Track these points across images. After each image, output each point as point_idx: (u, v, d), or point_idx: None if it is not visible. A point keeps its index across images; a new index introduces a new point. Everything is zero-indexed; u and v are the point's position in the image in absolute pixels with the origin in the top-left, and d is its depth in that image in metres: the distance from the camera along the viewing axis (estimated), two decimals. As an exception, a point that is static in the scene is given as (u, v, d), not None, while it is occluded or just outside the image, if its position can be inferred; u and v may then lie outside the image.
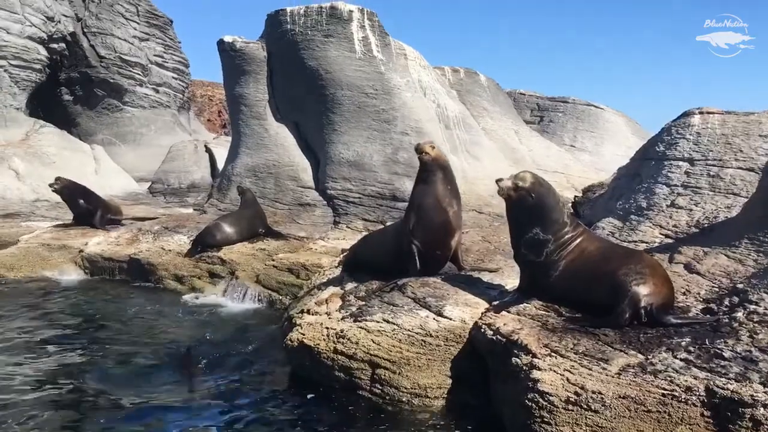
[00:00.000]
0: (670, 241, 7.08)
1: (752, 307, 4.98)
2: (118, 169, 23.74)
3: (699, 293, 5.61)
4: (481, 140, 14.16)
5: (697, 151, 7.91)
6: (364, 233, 9.78)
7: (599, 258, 5.44)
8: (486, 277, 6.94)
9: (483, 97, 15.79)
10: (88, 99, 30.09)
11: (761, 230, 6.09)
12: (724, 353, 4.35)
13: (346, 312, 6.33)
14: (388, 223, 10.97)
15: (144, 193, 22.73)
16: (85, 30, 29.39)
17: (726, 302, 5.24)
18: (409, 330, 5.79)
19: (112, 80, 30.11)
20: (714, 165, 7.71)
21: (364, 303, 6.44)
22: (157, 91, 32.37)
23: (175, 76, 34.01)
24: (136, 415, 5.60)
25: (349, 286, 7.12)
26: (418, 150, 7.05)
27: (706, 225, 7.04)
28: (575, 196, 10.78)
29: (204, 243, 11.16)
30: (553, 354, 4.71)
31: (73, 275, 11.93)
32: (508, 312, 5.65)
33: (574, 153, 17.67)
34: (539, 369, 4.57)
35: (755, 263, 5.83)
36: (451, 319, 5.89)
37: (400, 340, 5.72)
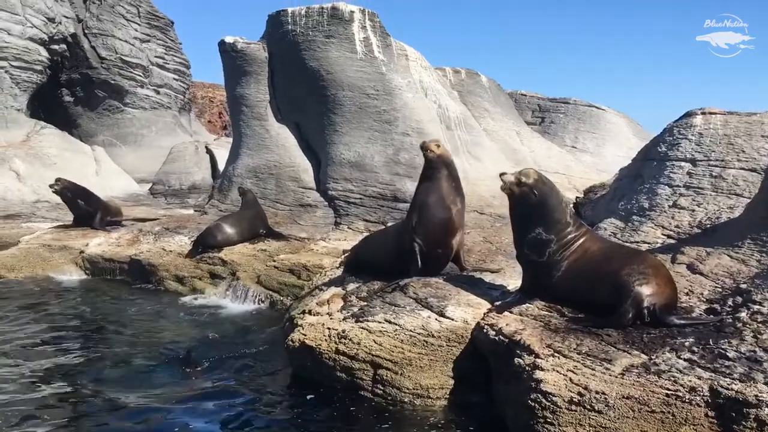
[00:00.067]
0: (672, 241, 7.06)
1: (756, 307, 4.96)
2: (118, 171, 23.77)
3: (702, 293, 5.59)
4: (482, 141, 14.15)
5: (699, 152, 7.89)
6: (365, 234, 9.75)
7: (602, 258, 5.42)
8: (488, 277, 6.93)
9: (484, 98, 15.78)
10: (89, 100, 30.11)
11: (764, 230, 6.07)
12: (728, 353, 4.33)
13: (348, 312, 6.31)
14: (390, 224, 10.95)
15: (145, 194, 22.74)
16: (86, 31, 29.42)
17: (729, 302, 5.22)
18: (411, 330, 5.77)
19: (113, 81, 30.13)
20: (716, 165, 7.69)
21: (365, 303, 6.42)
22: (158, 93, 32.39)
23: (176, 77, 34.05)
24: (136, 416, 5.58)
25: (351, 286, 7.10)
26: (424, 147, 7.04)
27: (708, 225, 7.02)
28: (577, 197, 10.76)
29: (205, 244, 11.14)
30: (556, 354, 4.69)
31: (73, 276, 11.92)
32: (511, 312, 5.63)
33: (576, 154, 17.67)
34: (542, 369, 4.54)
35: (758, 263, 5.81)
36: (453, 319, 5.87)
37: (402, 340, 5.70)
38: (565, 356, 4.64)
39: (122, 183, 22.69)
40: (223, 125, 45.48)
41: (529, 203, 5.64)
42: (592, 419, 4.12)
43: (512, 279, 6.75)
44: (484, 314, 5.83)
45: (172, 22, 35.27)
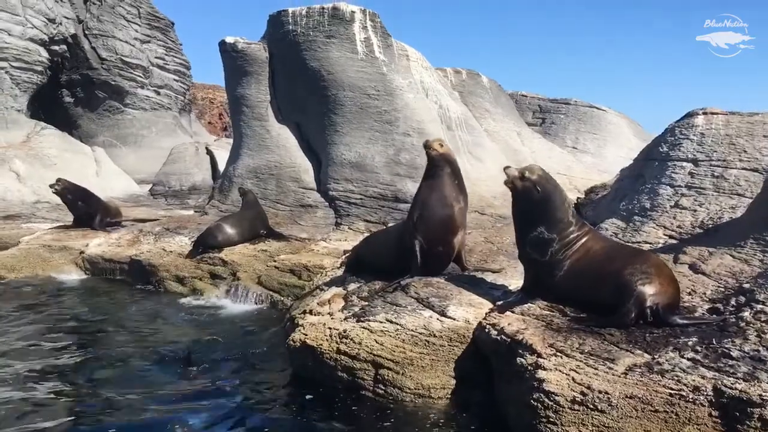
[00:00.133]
0: (674, 241, 7.05)
1: (759, 306, 4.94)
2: (119, 171, 23.75)
3: (705, 293, 5.57)
4: (483, 141, 14.14)
5: (701, 152, 7.87)
6: (366, 234, 9.74)
7: (604, 257, 5.40)
8: (489, 277, 6.91)
9: (485, 99, 15.78)
10: (90, 101, 30.10)
11: (766, 230, 6.05)
12: (731, 353, 4.31)
13: (349, 312, 6.29)
14: (390, 224, 10.94)
15: (145, 195, 22.72)
16: (86, 32, 29.41)
17: (732, 302, 5.20)
18: (412, 330, 5.75)
19: (113, 82, 30.13)
20: (718, 165, 7.67)
21: (367, 303, 6.40)
22: (159, 93, 32.39)
23: (177, 78, 34.05)
24: (135, 416, 5.56)
25: (352, 286, 7.08)
26: (427, 146, 7.04)
27: (710, 225, 7.00)
28: (578, 198, 10.75)
29: (205, 244, 11.12)
30: (558, 354, 4.67)
31: (73, 276, 11.90)
32: (513, 312, 5.62)
33: (576, 155, 17.66)
34: (544, 369, 4.52)
35: (761, 263, 5.79)
36: (454, 319, 5.85)
37: (403, 340, 5.68)
38: (567, 356, 4.62)
39: (122, 184, 22.68)
40: (224, 126, 45.51)
41: (532, 199, 5.62)
42: (595, 419, 4.10)
43: (514, 279, 6.74)
44: (486, 314, 5.81)
45: (173, 23, 35.30)
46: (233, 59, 14.03)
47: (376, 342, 5.70)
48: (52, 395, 6.07)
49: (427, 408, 5.34)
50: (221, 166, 19.65)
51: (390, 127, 12.82)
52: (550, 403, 4.28)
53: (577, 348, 4.70)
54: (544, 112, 19.86)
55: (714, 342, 4.51)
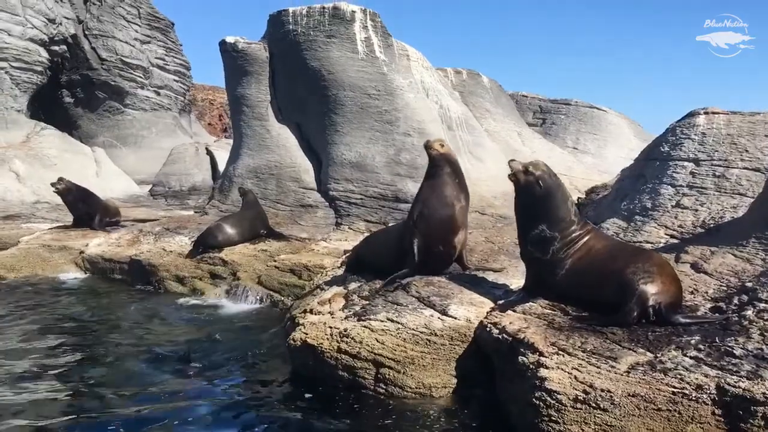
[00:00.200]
0: (675, 241, 7.03)
1: (762, 305, 4.92)
2: (119, 172, 23.75)
3: (707, 292, 5.56)
4: (483, 142, 14.12)
5: (702, 152, 7.86)
6: (366, 235, 9.72)
7: (606, 256, 5.38)
8: (491, 276, 6.90)
9: (485, 99, 15.77)
10: (89, 101, 30.08)
11: (769, 229, 6.04)
12: (734, 351, 4.29)
13: (350, 311, 6.27)
14: (391, 224, 10.92)
15: (145, 195, 22.71)
16: (86, 32, 29.40)
17: (735, 301, 5.18)
18: (413, 329, 5.73)
19: (113, 83, 30.11)
20: (719, 165, 7.66)
21: (367, 302, 6.39)
22: (159, 94, 32.38)
23: (177, 78, 34.04)
24: (135, 415, 5.53)
25: (353, 285, 7.06)
26: (427, 146, 7.05)
27: (712, 225, 6.99)
28: (578, 198, 10.73)
29: (205, 244, 11.10)
30: (560, 352, 4.65)
31: (73, 276, 11.89)
32: (514, 311, 5.60)
33: (577, 155, 17.65)
34: (546, 367, 4.50)
35: (763, 262, 5.78)
36: (456, 318, 5.83)
37: (404, 339, 5.67)
38: (569, 354, 4.60)
39: (122, 184, 22.67)
40: (223, 128, 45.51)
41: (534, 194, 5.61)
42: (598, 417, 4.08)
43: (515, 278, 6.73)
44: (487, 313, 5.80)
45: (173, 24, 35.29)
46: (233, 59, 14.01)
47: (377, 341, 5.68)
48: (50, 395, 6.05)
49: (428, 407, 5.32)
50: (221, 167, 19.62)
51: (390, 127, 12.81)
52: (553, 401, 4.26)
53: (579, 346, 4.68)
54: (544, 112, 19.85)
55: (717, 340, 4.49)
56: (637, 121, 20.32)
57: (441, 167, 6.91)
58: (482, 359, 5.52)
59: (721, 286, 5.64)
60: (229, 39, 14.03)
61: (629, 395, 4.08)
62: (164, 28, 34.19)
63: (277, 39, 13.63)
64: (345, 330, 5.86)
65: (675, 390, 4.04)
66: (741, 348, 4.33)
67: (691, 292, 5.57)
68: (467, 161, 12.91)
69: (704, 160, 7.77)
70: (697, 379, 4.08)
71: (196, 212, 15.40)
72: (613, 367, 4.36)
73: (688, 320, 4.91)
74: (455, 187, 6.86)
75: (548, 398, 4.28)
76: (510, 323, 5.31)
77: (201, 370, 6.70)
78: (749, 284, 5.40)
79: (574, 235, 5.54)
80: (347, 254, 8.59)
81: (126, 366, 6.94)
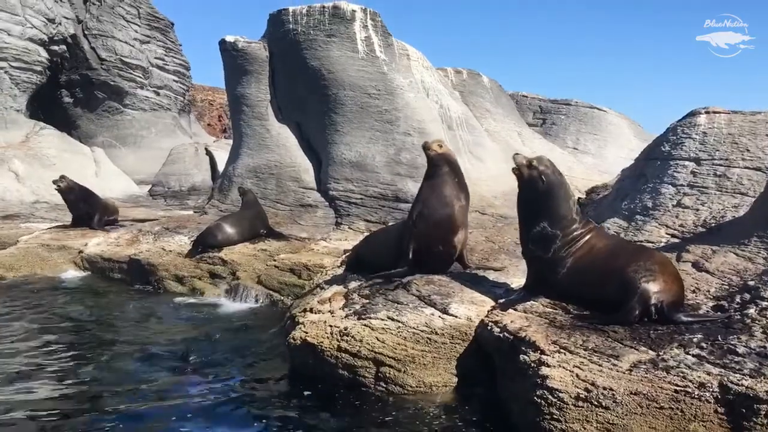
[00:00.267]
0: (676, 240, 7.01)
1: (765, 303, 4.90)
2: (118, 172, 23.73)
3: (709, 291, 5.54)
4: (484, 141, 14.09)
5: (703, 151, 7.84)
6: (366, 234, 9.70)
7: (608, 254, 5.37)
8: (491, 275, 6.89)
9: (486, 99, 15.74)
10: (89, 101, 30.05)
11: (771, 228, 6.02)
12: (737, 349, 4.27)
13: (350, 310, 6.24)
14: (391, 224, 10.90)
15: (144, 195, 22.69)
16: (86, 32, 29.38)
17: (737, 299, 5.16)
18: (414, 328, 5.71)
19: (112, 83, 30.09)
20: (721, 165, 7.64)
21: (368, 301, 6.36)
22: (158, 94, 32.35)
23: (176, 78, 34.03)
24: (134, 414, 5.51)
25: (353, 284, 7.04)
26: (426, 147, 7.06)
27: (713, 224, 6.97)
28: (579, 198, 10.71)
29: (205, 243, 11.07)
30: (562, 350, 4.62)
31: (72, 276, 11.86)
32: (515, 310, 5.59)
33: (577, 155, 17.63)
34: (548, 366, 4.48)
35: (766, 261, 5.76)
36: (456, 316, 5.81)
37: (405, 337, 5.65)
38: (571, 352, 4.58)
39: (121, 184, 22.65)
40: (223, 128, 45.50)
41: (536, 189, 5.60)
42: (600, 415, 4.06)
43: (516, 277, 6.71)
44: (488, 311, 5.79)
45: (172, 24, 35.28)
46: (233, 58, 13.99)
47: (378, 339, 5.66)
48: (48, 394, 6.03)
49: (428, 406, 5.29)
50: (221, 167, 19.59)
51: (390, 127, 12.78)
52: (554, 399, 4.23)
53: (580, 345, 4.66)
54: (544, 112, 19.83)
55: (719, 338, 4.47)
56: (638, 121, 20.32)
57: (440, 167, 6.91)
58: (483, 358, 5.50)
59: (722, 284, 5.62)
60: (229, 38, 14.01)
61: (631, 393, 4.05)
62: (164, 28, 34.18)
63: (277, 38, 13.60)
64: (345, 328, 5.84)
65: (677, 388, 4.02)
66: (744, 346, 4.31)
67: (693, 291, 5.55)
68: (467, 161, 12.89)
69: (705, 160, 7.75)
70: (699, 377, 4.05)
71: (195, 212, 15.37)
72: (615, 365, 4.34)
73: (690, 319, 4.89)
74: (455, 186, 6.85)
75: (550, 396, 4.26)
76: (511, 322, 5.29)
77: (200, 369, 6.69)
78: (751, 283, 5.39)
79: (575, 233, 5.52)
80: (347, 254, 8.57)
81: (125, 365, 6.92)
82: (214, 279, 10.55)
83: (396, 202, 12.22)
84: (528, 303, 5.65)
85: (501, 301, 5.96)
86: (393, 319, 5.83)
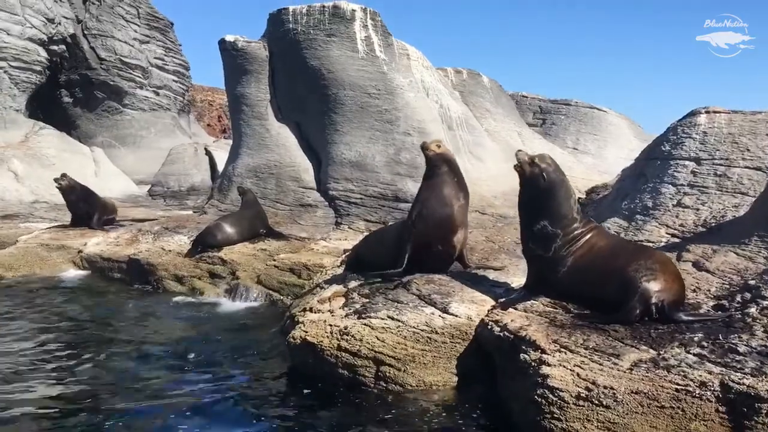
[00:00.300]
0: (676, 240, 7.00)
1: (765, 302, 4.90)
2: (117, 172, 23.72)
3: (709, 290, 5.54)
4: (483, 141, 14.08)
5: (703, 151, 7.83)
6: (366, 234, 9.69)
7: (609, 254, 5.36)
8: (492, 275, 6.88)
9: (486, 99, 15.72)
10: (88, 101, 30.05)
11: (771, 228, 6.01)
12: (738, 348, 4.26)
13: (350, 309, 6.23)
14: (390, 223, 10.88)
15: (143, 195, 22.68)
16: (85, 32, 29.37)
17: (738, 298, 5.16)
18: (414, 327, 5.70)
19: (112, 82, 30.08)
20: (721, 164, 7.63)
21: (368, 300, 6.34)
22: (158, 94, 32.34)
23: (176, 78, 34.01)
24: (133, 413, 5.50)
25: (353, 284, 7.02)
26: (424, 147, 7.06)
27: (713, 224, 6.96)
28: (579, 198, 10.70)
29: (204, 243, 11.05)
30: (562, 350, 4.61)
31: (71, 275, 11.84)
32: (515, 309, 5.58)
33: (577, 156, 17.61)
34: (548, 365, 4.47)
35: (766, 260, 5.76)
36: (457, 316, 5.81)
37: (405, 337, 5.64)
38: (571, 351, 4.57)
39: (121, 184, 22.64)
40: (222, 129, 45.48)
41: (537, 187, 5.59)
42: (600, 414, 4.04)
43: (516, 277, 6.71)
44: (489, 311, 5.78)
45: (172, 24, 35.27)
46: (233, 58, 13.97)
47: (378, 339, 5.65)
48: (47, 393, 6.01)
49: (428, 405, 5.28)
50: (220, 167, 19.58)
51: (390, 127, 12.77)
52: (555, 398, 4.22)
53: (581, 344, 4.65)
54: (544, 112, 19.82)
55: (720, 337, 4.46)
56: (638, 121, 20.31)
57: (438, 167, 6.91)
58: (483, 357, 5.50)
59: (723, 284, 5.61)
60: (229, 37, 13.99)
61: (632, 392, 4.04)
62: (163, 28, 34.17)
63: (276, 38, 13.59)
64: (345, 328, 5.83)
65: (678, 387, 4.01)
66: (745, 345, 4.30)
67: (693, 291, 5.54)
68: (467, 161, 12.89)
69: (705, 159, 7.74)
70: (700, 376, 4.04)
71: (195, 212, 15.35)
72: (615, 364, 4.33)
73: (690, 318, 4.88)
74: (454, 186, 6.85)
75: (550, 395, 4.25)
76: (511, 321, 5.29)
77: (199, 368, 6.67)
78: (752, 282, 5.38)
79: (576, 232, 5.52)
80: (347, 253, 8.56)
81: (124, 364, 6.91)
82: (214, 279, 10.53)
83: (396, 202, 12.21)
84: (528, 302, 5.64)
85: (501, 300, 5.95)
86: (393, 319, 5.82)
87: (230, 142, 17.39)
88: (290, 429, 5.16)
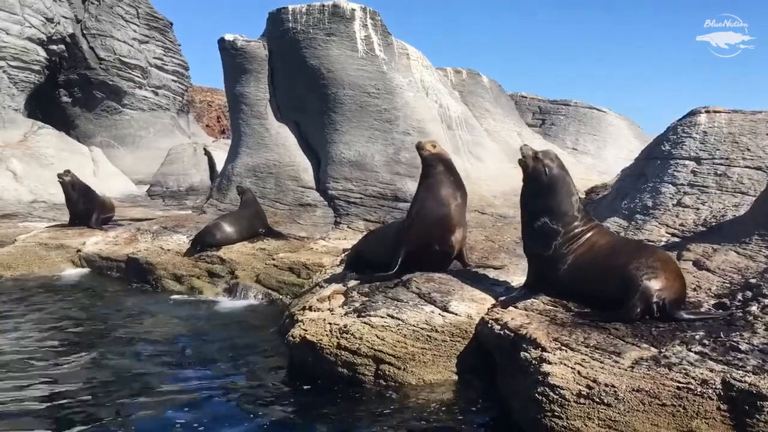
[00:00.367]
0: (676, 239, 6.99)
1: (767, 301, 4.88)
2: (116, 172, 23.69)
3: (710, 289, 5.52)
4: (483, 141, 14.07)
5: (703, 150, 7.83)
6: (366, 233, 9.67)
7: (609, 252, 5.35)
8: (492, 273, 6.88)
9: (485, 99, 15.71)
10: (87, 101, 30.00)
11: (772, 227, 6.00)
12: (740, 346, 4.24)
13: (350, 308, 6.21)
14: (390, 222, 10.87)
15: (142, 195, 22.65)
16: (84, 32, 29.33)
17: (739, 297, 5.15)
18: (414, 325, 5.69)
19: (111, 82, 30.03)
20: (721, 164, 7.63)
21: (367, 299, 6.33)
22: (157, 94, 32.29)
23: (175, 78, 33.96)
24: (132, 411, 5.48)
25: (352, 282, 7.01)
26: (419, 147, 7.09)
27: (713, 223, 6.95)
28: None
29: (203, 242, 11.03)
30: (563, 347, 4.59)
31: (70, 274, 11.83)
32: (516, 307, 5.57)
33: (576, 156, 17.59)
34: (549, 363, 4.45)
35: (767, 259, 5.74)
36: (456, 314, 5.80)
37: (405, 335, 5.63)
38: (572, 349, 4.55)
39: (120, 184, 22.60)
40: (221, 129, 45.40)
41: (539, 182, 5.59)
42: (602, 412, 4.02)
43: (516, 276, 6.70)
44: (489, 309, 5.77)
45: (171, 24, 35.21)
46: (232, 57, 13.96)
47: (377, 337, 5.64)
48: (45, 393, 5.98)
49: (428, 404, 5.26)
50: (219, 168, 19.55)
51: (390, 126, 12.75)
52: (556, 396, 4.20)
53: (582, 342, 4.63)
54: (544, 113, 19.81)
55: (722, 335, 4.45)
56: (637, 121, 20.34)
57: (434, 167, 6.91)
58: (483, 355, 5.49)
59: (724, 283, 5.60)
60: (228, 36, 13.98)
61: (633, 390, 4.03)
62: (163, 27, 34.12)
63: (276, 37, 13.58)
64: (345, 326, 5.81)
65: (680, 385, 3.99)
66: (746, 343, 4.28)
67: (694, 289, 5.53)
68: (467, 161, 12.88)
69: (705, 159, 7.74)
70: (702, 373, 4.02)
71: (194, 211, 15.33)
72: (616, 362, 4.31)
73: (692, 316, 4.86)
74: (450, 185, 6.84)
75: (551, 393, 4.23)
76: (512, 319, 5.27)
77: (197, 366, 6.67)
78: (753, 280, 5.37)
79: (577, 230, 5.50)
80: (346, 253, 8.55)
81: (121, 362, 6.88)
82: (213, 278, 10.51)
83: (395, 202, 12.19)
84: (528, 300, 5.63)
85: (501, 298, 5.94)
86: (393, 317, 5.80)
87: (229, 142, 17.36)
88: (289, 427, 5.14)
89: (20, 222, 16.08)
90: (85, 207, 14.19)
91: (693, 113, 8.31)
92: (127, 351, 7.28)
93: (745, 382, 3.85)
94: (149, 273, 10.96)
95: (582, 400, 4.11)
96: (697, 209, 7.29)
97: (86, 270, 12.02)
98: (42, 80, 26.34)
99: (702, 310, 5.11)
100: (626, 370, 4.21)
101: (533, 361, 4.57)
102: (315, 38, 12.91)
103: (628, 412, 3.97)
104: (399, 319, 5.77)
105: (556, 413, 4.15)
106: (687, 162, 7.86)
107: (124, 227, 13.70)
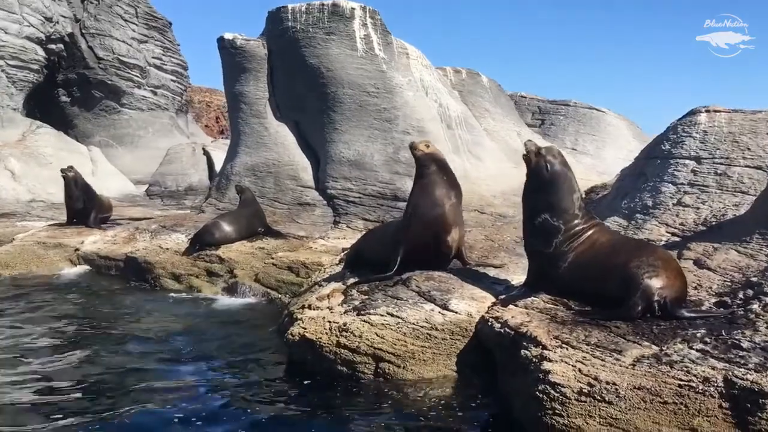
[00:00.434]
0: (677, 239, 6.98)
1: (768, 299, 4.86)
2: (115, 171, 23.67)
3: (711, 287, 5.51)
4: (483, 141, 14.05)
5: (704, 150, 7.81)
6: (365, 232, 9.65)
7: (610, 250, 5.33)
8: (492, 272, 6.87)
9: (485, 98, 15.69)
10: (86, 100, 29.97)
11: (773, 226, 5.99)
12: (742, 344, 4.23)
13: (349, 306, 6.20)
14: (389, 221, 10.85)
15: (141, 195, 22.61)
16: (83, 31, 29.30)
17: (740, 295, 5.13)
18: (413, 323, 5.68)
19: (109, 82, 30.00)
20: (721, 163, 7.62)
21: (367, 297, 6.32)
22: (156, 94, 32.26)
23: (174, 78, 33.93)
24: (130, 408, 5.45)
25: (351, 281, 6.99)
26: (412, 147, 7.09)
27: (713, 223, 6.94)
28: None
29: (202, 241, 11.01)
30: (564, 345, 4.58)
31: (68, 273, 11.79)
32: (516, 305, 5.56)
33: (576, 156, 17.55)
34: (550, 360, 4.44)
35: (768, 258, 5.72)
36: (456, 312, 5.79)
37: (404, 333, 5.62)
38: (573, 347, 4.53)
39: (118, 184, 22.58)
40: (220, 130, 45.37)
41: (541, 178, 5.58)
42: (603, 410, 4.01)
43: (516, 275, 6.69)
44: (489, 307, 5.76)
45: (170, 23, 35.20)
46: (232, 56, 13.94)
47: (377, 335, 5.62)
48: (43, 391, 5.96)
49: (428, 402, 5.24)
50: (218, 167, 19.52)
51: (389, 125, 12.73)
52: (556, 394, 4.18)
53: (583, 340, 4.61)
54: (543, 113, 19.79)
55: (723, 333, 4.43)
56: (637, 121, 20.28)
57: (427, 167, 6.89)
58: (483, 354, 5.47)
59: (725, 281, 5.59)
60: (228, 35, 13.96)
61: (635, 388, 4.01)
62: (162, 27, 34.09)
63: (275, 36, 13.56)
64: (344, 324, 5.80)
65: (681, 383, 3.97)
66: (748, 341, 4.26)
67: (695, 288, 5.52)
68: (466, 160, 12.87)
69: (706, 158, 7.73)
70: (704, 371, 4.01)
71: (192, 211, 15.30)
72: (618, 359, 4.30)
73: (693, 314, 4.85)
74: (444, 185, 6.82)
75: (552, 391, 4.21)
76: (512, 317, 5.26)
77: (196, 364, 6.64)
78: (754, 279, 5.36)
79: (577, 228, 5.49)
80: (345, 252, 8.53)
81: (120, 359, 6.87)
82: (212, 277, 10.49)
83: (394, 201, 12.17)
84: (529, 299, 5.62)
85: (501, 297, 5.92)
86: (392, 315, 5.79)
87: (228, 142, 17.34)
88: (288, 424, 5.12)
89: (18, 221, 16.05)
90: (84, 205, 14.17)
91: (693, 112, 8.29)
92: (125, 348, 7.26)
93: (747, 379, 3.84)
94: (148, 272, 10.93)
95: (583, 398, 4.09)
96: (698, 208, 7.27)
97: (85, 269, 11.98)
98: (41, 79, 26.31)
99: (703, 308, 5.09)
100: (627, 367, 4.19)
101: (534, 359, 4.56)
102: (314, 37, 12.90)
103: (630, 409, 3.96)
104: (399, 317, 5.76)
105: (557, 411, 4.14)
106: (687, 161, 7.85)
107: (123, 226, 13.67)
